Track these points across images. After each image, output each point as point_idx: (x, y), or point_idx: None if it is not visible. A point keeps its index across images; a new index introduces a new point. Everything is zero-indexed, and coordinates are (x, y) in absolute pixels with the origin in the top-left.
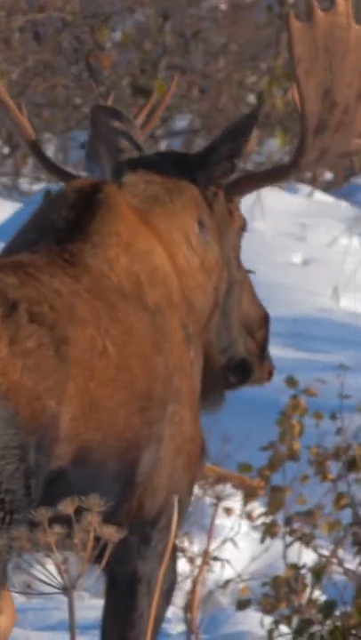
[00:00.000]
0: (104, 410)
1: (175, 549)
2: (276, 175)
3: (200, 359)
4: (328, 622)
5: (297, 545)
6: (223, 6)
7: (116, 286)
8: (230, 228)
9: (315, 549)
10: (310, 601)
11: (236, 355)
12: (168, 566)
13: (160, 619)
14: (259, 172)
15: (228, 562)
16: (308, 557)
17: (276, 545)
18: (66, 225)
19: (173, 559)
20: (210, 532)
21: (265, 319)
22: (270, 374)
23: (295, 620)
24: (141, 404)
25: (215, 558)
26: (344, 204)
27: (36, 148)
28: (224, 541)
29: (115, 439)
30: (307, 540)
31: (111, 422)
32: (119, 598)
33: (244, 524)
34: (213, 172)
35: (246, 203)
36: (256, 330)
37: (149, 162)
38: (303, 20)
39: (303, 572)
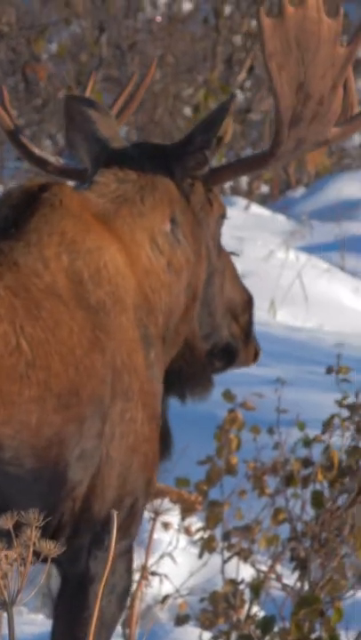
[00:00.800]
0: (12, 405)
1: (131, 552)
2: (254, 164)
3: (162, 362)
4: (267, 638)
5: (235, 560)
6: (159, 18)
7: (47, 285)
8: (209, 217)
9: (253, 564)
10: (249, 616)
11: (220, 340)
12: (123, 568)
13: (114, 622)
14: (237, 161)
15: (166, 577)
16: (246, 572)
17: (215, 560)
18: (4, 225)
19: (129, 561)
20: (148, 546)
21: (248, 302)
22: (256, 355)
23: (234, 636)
24: (64, 400)
25: (153, 573)
26: (280, 218)
27: (15, 138)
28: (162, 556)
29: (29, 436)
30: (245, 555)
31: (22, 419)
32: (70, 598)
33: (182, 539)
34: (187, 164)
35: None
36: (240, 314)
37: (126, 156)
38: (274, 16)
39: (241, 587)
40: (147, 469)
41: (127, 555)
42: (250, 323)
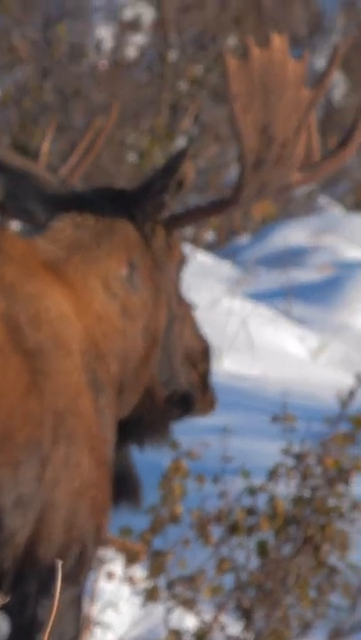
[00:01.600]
0: None
1: (80, 600)
2: (215, 209)
3: (115, 408)
4: None
5: (179, 610)
6: (104, 64)
7: None
8: (170, 262)
9: (197, 614)
10: None
11: (178, 387)
12: (71, 617)
13: None
14: (198, 206)
15: (109, 626)
16: (190, 622)
17: (158, 610)
18: None
19: (77, 610)
20: (92, 596)
21: (206, 351)
22: (213, 405)
23: None
24: None
25: (97, 623)
26: (226, 265)
27: None
28: (105, 606)
29: None
30: (189, 604)
31: None
32: None
33: (126, 589)
34: (146, 208)
35: None
36: (198, 362)
37: (86, 200)
38: (239, 58)
39: (185, 637)
40: (95, 515)
41: (76, 603)
42: (208, 371)
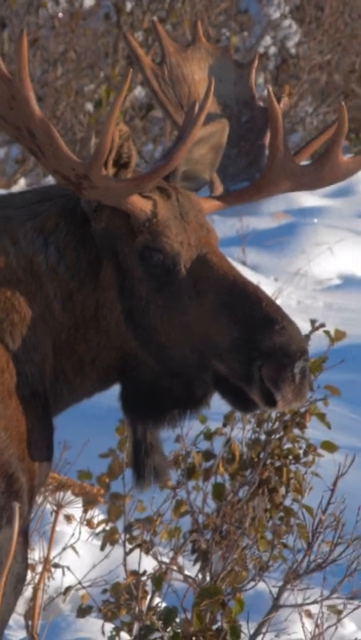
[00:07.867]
0: None
1: (26, 535)
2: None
3: (32, 351)
4: (169, 629)
5: (137, 552)
6: (61, 14)
7: None
8: (125, 246)
9: (155, 556)
10: (151, 608)
11: (184, 371)
12: (16, 553)
13: (6, 609)
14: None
15: (68, 569)
16: (148, 564)
17: (117, 552)
18: None
19: (22, 546)
20: (50, 539)
21: (235, 344)
22: (267, 400)
23: (136, 627)
24: None
25: (56, 565)
26: None
27: None
28: (64, 548)
29: None
30: (146, 547)
31: None
32: None
33: (85, 531)
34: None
35: None
36: (224, 352)
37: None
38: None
39: (143, 578)
40: (13, 446)
41: (19, 539)
42: (243, 362)
